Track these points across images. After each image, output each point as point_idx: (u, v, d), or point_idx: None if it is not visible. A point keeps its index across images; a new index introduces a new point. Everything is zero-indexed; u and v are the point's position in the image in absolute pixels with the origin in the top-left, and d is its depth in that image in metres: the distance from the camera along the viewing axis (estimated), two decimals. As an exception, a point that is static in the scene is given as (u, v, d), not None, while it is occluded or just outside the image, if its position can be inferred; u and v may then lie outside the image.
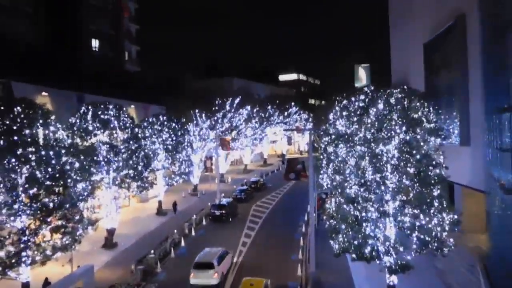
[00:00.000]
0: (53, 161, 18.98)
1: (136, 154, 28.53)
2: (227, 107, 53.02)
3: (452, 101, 24.79)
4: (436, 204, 16.89)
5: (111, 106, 28.16)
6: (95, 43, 49.48)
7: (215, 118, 49.41)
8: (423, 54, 31.54)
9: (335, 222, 18.37)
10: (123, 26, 55.54)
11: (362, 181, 17.30)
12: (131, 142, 28.44)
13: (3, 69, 27.65)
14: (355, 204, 17.37)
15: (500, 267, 17.92)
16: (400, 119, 17.17)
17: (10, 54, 30.63)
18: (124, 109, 29.55)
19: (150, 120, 37.83)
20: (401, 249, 16.60)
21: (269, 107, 70.65)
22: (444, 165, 17.81)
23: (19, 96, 25.05)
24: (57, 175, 18.94)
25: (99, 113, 27.47)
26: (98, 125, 27.41)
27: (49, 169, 18.70)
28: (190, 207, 41.68)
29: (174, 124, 38.58)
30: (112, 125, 27.75)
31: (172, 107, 48.96)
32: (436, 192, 17.05)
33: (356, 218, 17.34)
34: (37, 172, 18.12)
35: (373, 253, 16.98)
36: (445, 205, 17.44)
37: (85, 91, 33.91)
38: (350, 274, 23.40)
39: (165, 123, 37.82)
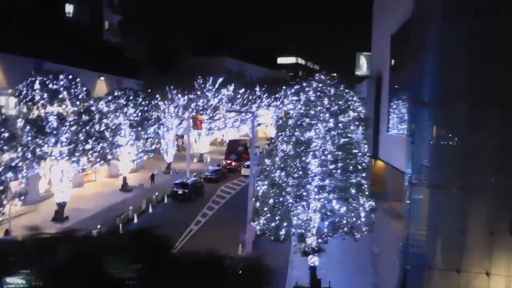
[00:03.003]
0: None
1: (87, 128, 27.87)
2: (207, 86, 52.19)
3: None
4: (353, 191, 16.57)
5: (61, 76, 27.44)
6: (69, 8, 48.39)
7: (191, 96, 48.53)
8: (390, 46, 30.52)
9: (258, 204, 17.99)
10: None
11: (282, 165, 16.91)
12: (82, 116, 27.77)
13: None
14: (275, 188, 16.99)
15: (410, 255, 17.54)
16: (323, 107, 16.84)
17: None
18: (78, 79, 28.71)
19: (116, 94, 37.03)
20: (312, 232, 16.24)
21: (257, 89, 69.64)
22: (367, 154, 17.51)
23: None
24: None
25: (47, 82, 26.76)
26: (45, 95, 26.75)
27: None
28: (159, 184, 41.34)
29: (140, 100, 37.75)
30: (61, 96, 27.07)
31: (151, 82, 48.10)
32: (354, 180, 16.70)
33: (275, 201, 16.95)
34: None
35: (288, 236, 16.66)
36: (366, 192, 17.22)
37: (49, 59, 32.97)
38: (288, 257, 23.05)
39: (131, 98, 36.98)
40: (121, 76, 45.44)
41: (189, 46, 75.34)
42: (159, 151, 44.04)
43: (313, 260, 17.98)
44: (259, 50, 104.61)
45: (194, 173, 44.42)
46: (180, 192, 35.87)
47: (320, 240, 17.05)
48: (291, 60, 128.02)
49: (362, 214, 17.13)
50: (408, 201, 18.44)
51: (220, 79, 54.44)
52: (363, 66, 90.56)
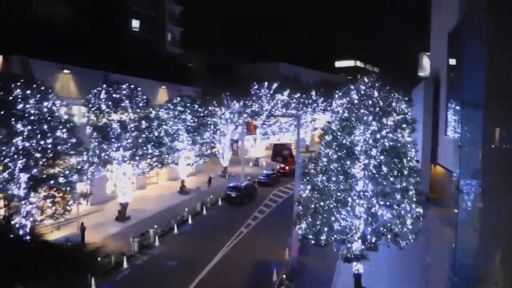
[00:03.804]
0: (48, 135, 20.62)
1: (146, 134, 29.71)
2: (261, 92, 53.16)
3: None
4: (398, 197, 16.26)
5: (124, 86, 29.54)
6: (135, 23, 51.64)
7: (246, 102, 49.71)
8: (447, 44, 29.46)
9: (301, 208, 18.25)
10: (165, 7, 57.44)
11: (324, 169, 17.03)
12: (142, 122, 29.67)
13: (33, 48, 29.87)
14: (316, 192, 17.16)
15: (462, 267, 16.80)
16: (366, 109, 16.73)
17: (44, 33, 33.01)
18: (139, 88, 30.71)
19: (174, 101, 39.03)
20: (354, 238, 16.19)
21: (313, 93, 69.45)
22: (415, 159, 17.14)
23: (39, 73, 27.35)
24: (48, 148, 20.50)
25: (111, 92, 28.93)
26: (110, 103, 28.94)
27: (41, 142, 20.32)
28: (215, 187, 42.73)
29: (197, 106, 39.43)
30: (123, 104, 29.13)
31: (207, 89, 49.99)
32: (400, 185, 16.38)
33: (316, 205, 17.11)
34: (27, 144, 19.75)
35: (328, 241, 16.74)
36: (414, 199, 16.80)
37: (115, 71, 35.66)
38: (335, 263, 22.99)
39: (188, 104, 38.78)
40: (181, 85, 47.74)
41: (245, 54, 77.15)
42: (216, 155, 45.59)
43: (358, 267, 17.87)
44: (316, 54, 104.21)
45: (248, 177, 45.47)
46: (233, 195, 36.92)
47: (363, 247, 16.91)
48: (349, 63, 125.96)
49: (408, 221, 16.70)
50: (458, 209, 17.85)
51: (275, 85, 55.19)
52: (426, 67, 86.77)
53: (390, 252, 19.09)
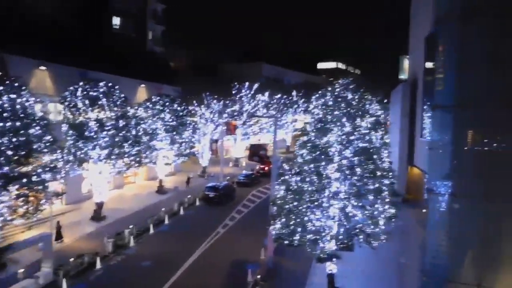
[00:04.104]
0: (21, 132, 20.18)
1: (124, 132, 29.37)
2: (242, 92, 53.21)
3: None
4: (371, 197, 16.51)
5: (101, 84, 29.15)
6: (116, 21, 51.05)
7: (227, 102, 49.68)
8: (424, 48, 29.99)
9: (275, 209, 18.34)
10: (148, 5, 56.94)
11: (298, 170, 17.17)
12: (120, 120, 29.33)
13: (11, 43, 29.04)
14: (291, 193, 17.28)
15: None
16: (340, 111, 16.95)
17: (23, 28, 32.23)
18: (117, 87, 30.34)
19: (154, 99, 38.72)
20: (327, 239, 16.37)
21: (294, 94, 69.82)
22: (388, 160, 17.40)
23: (15, 69, 26.75)
24: (21, 146, 20.07)
25: (88, 89, 28.53)
26: (87, 101, 28.53)
27: (13, 140, 19.88)
28: (193, 187, 42.54)
29: (176, 105, 39.19)
30: (100, 102, 28.75)
31: (188, 88, 49.72)
32: (372, 186, 16.63)
33: (291, 206, 17.23)
34: (-2, 141, 19.30)
35: (302, 242, 16.88)
36: (387, 200, 17.07)
37: (93, 68, 35.08)
38: (310, 263, 23.14)
39: (167, 103, 38.52)
40: (162, 84, 47.37)
41: (229, 54, 77.09)
42: (195, 155, 45.39)
43: (331, 267, 18.04)
44: (299, 56, 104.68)
45: (228, 177, 45.46)
46: (211, 195, 36.85)
47: (336, 247, 17.10)
48: (331, 65, 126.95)
49: (381, 222, 16.96)
50: (428, 210, 18.19)
51: (256, 85, 55.31)
52: (406, 70, 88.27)
53: (365, 252, 19.32)
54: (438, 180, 16.64)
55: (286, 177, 17.87)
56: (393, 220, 17.36)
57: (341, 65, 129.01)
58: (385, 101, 48.01)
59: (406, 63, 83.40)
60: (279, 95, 63.34)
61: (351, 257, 20.04)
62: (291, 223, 16.79)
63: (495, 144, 15.58)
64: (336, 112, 16.89)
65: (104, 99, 28.87)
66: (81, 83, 28.92)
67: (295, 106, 69.82)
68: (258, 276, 20.70)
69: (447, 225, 16.73)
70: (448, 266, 16.62)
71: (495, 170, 15.44)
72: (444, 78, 16.09)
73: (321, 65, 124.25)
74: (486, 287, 15.71)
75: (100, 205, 30.80)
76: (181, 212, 33.91)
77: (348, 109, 16.75)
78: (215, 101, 47.79)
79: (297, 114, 69.33)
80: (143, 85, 44.38)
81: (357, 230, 16.50)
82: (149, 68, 47.77)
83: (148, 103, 38.58)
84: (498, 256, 15.74)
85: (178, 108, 39.31)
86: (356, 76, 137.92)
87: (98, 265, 22.75)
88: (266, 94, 58.16)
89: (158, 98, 39.02)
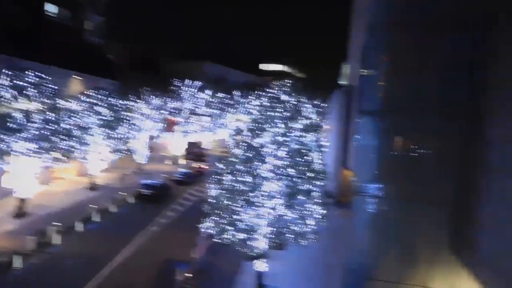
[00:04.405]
0: None
1: (53, 125, 27.84)
2: (183, 89, 52.51)
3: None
4: (301, 198, 16.92)
5: (31, 74, 27.43)
6: (53, 8, 48.23)
7: (167, 98, 48.79)
8: (361, 57, 31.33)
9: (209, 207, 18.27)
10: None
11: (231, 169, 17.24)
12: (47, 113, 27.75)
13: None
14: (224, 192, 17.30)
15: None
16: (275, 113, 17.24)
17: None
18: (48, 77, 28.70)
19: (88, 93, 37.06)
20: (256, 237, 16.57)
21: (237, 93, 70.06)
22: (319, 162, 17.89)
23: None
24: None
25: (15, 79, 26.73)
26: (14, 91, 26.72)
27: None
28: (129, 184, 41.24)
29: (112, 100, 37.79)
30: (28, 93, 27.04)
31: (127, 83, 48.20)
32: (303, 186, 17.05)
33: (223, 205, 17.25)
34: None
35: (232, 240, 16.95)
36: (317, 200, 17.54)
37: (23, 57, 32.89)
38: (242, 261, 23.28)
39: (103, 97, 37.04)
40: (99, 76, 45.42)
41: (171, 50, 75.78)
42: (131, 152, 44.05)
43: (260, 266, 18.26)
44: (244, 56, 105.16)
45: (165, 175, 44.62)
46: (146, 192, 35.98)
47: (267, 246, 17.32)
48: (277, 67, 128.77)
49: (311, 222, 17.41)
50: (355, 211, 19.00)
51: (198, 83, 54.84)
52: (345, 76, 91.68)
53: (297, 252, 19.79)
54: (364, 182, 17.45)
55: (221, 176, 17.87)
56: (323, 220, 17.85)
57: (287, 68, 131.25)
58: (325, 105, 49.60)
59: (346, 70, 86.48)
60: (221, 94, 63.26)
61: (283, 256, 20.42)
62: (223, 221, 16.78)
63: (417, 149, 16.61)
64: (271, 113, 17.13)
65: (33, 90, 27.16)
66: (7, 72, 26.98)
67: (237, 106, 70.08)
68: (189, 275, 20.47)
69: (370, 225, 17.57)
70: (371, 265, 17.47)
71: (415, 174, 16.47)
72: (371, 85, 16.93)
73: (266, 67, 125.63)
74: (405, 284, 16.74)
75: (23, 201, 28.94)
76: (113, 209, 32.73)
77: (282, 110, 17.04)
78: (154, 97, 46.68)
79: (238, 114, 69.59)
80: (77, 77, 42.28)
81: (286, 230, 16.80)
82: (86, 60, 45.69)
83: (82, 96, 36.76)
84: (416, 255, 16.77)
85: (115, 103, 37.88)
86: (300, 80, 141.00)
87: (18, 264, 21.35)
88: (209, 92, 57.77)
89: (94, 91, 37.37)
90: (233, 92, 69.36)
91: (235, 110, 69.25)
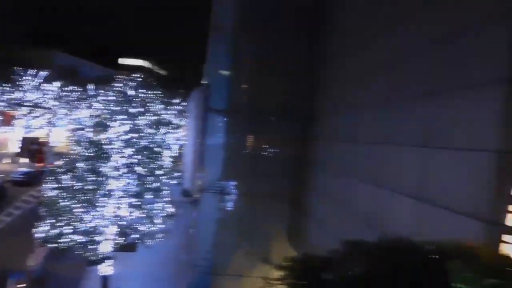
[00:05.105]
0: None
1: None
2: (27, 79, 46.97)
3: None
4: (149, 196, 16.65)
5: None
6: None
7: (3, 88, 43.06)
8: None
9: (44, 209, 16.70)
10: None
11: (71, 167, 16.05)
12: None
13: None
14: (62, 192, 16.00)
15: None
16: (122, 108, 16.58)
17: None
18: None
19: None
20: (98, 240, 15.77)
21: (90, 87, 65.22)
22: (171, 159, 17.82)
23: None
24: None
25: None
26: None
27: None
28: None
29: None
30: None
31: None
32: (151, 185, 16.80)
33: (60, 206, 15.94)
34: None
35: (71, 244, 15.81)
36: (166, 198, 17.40)
37: None
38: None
39: None
40: None
41: (12, 34, 66.70)
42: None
43: (105, 269, 17.36)
44: (103, 49, 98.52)
45: (1, 175, 39.30)
46: (-28, 195, 31.26)
47: (111, 249, 16.54)
48: (137, 62, 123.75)
49: (158, 221, 17.17)
50: (202, 208, 19.41)
51: (44, 73, 49.53)
52: (207, 75, 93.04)
53: (148, 252, 19.14)
54: (213, 179, 18.00)
55: (58, 175, 16.48)
56: (173, 218, 17.77)
57: (146, 63, 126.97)
58: (184, 103, 49.64)
59: (207, 69, 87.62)
60: (71, 87, 58.10)
61: (133, 258, 19.66)
62: (59, 224, 15.50)
63: (260, 147, 17.74)
64: (115, 108, 16.41)
65: None
66: None
67: (88, 100, 65.30)
68: (19, 286, 18.38)
69: (216, 221, 18.22)
70: (216, 260, 18.10)
71: (258, 171, 17.59)
72: (219, 84, 17.52)
73: (126, 61, 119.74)
74: (247, 277, 17.72)
75: None
76: None
77: (128, 106, 16.49)
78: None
79: (87, 109, 64.99)
80: None
81: (133, 230, 16.31)
82: None
83: None
84: (258, 247, 17.92)
85: None
86: (162, 77, 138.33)
87: None
88: (57, 84, 52.66)
89: None
90: (86, 86, 64.44)
91: (85, 105, 64.46)
